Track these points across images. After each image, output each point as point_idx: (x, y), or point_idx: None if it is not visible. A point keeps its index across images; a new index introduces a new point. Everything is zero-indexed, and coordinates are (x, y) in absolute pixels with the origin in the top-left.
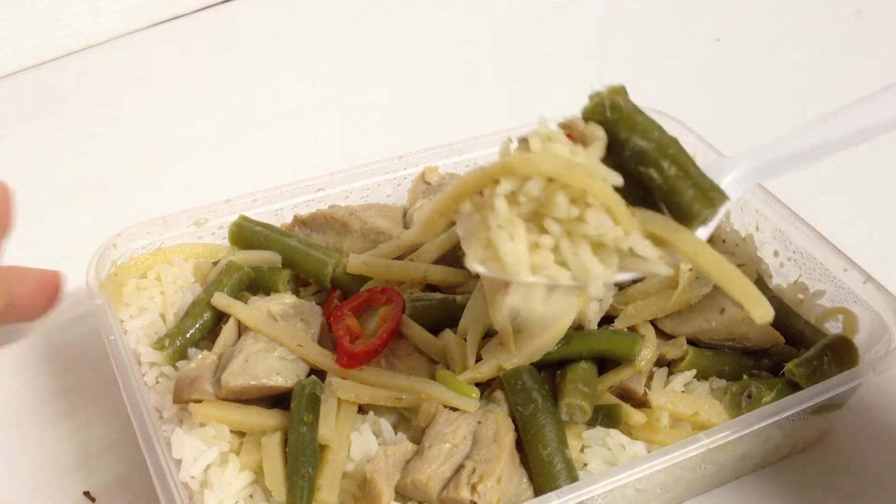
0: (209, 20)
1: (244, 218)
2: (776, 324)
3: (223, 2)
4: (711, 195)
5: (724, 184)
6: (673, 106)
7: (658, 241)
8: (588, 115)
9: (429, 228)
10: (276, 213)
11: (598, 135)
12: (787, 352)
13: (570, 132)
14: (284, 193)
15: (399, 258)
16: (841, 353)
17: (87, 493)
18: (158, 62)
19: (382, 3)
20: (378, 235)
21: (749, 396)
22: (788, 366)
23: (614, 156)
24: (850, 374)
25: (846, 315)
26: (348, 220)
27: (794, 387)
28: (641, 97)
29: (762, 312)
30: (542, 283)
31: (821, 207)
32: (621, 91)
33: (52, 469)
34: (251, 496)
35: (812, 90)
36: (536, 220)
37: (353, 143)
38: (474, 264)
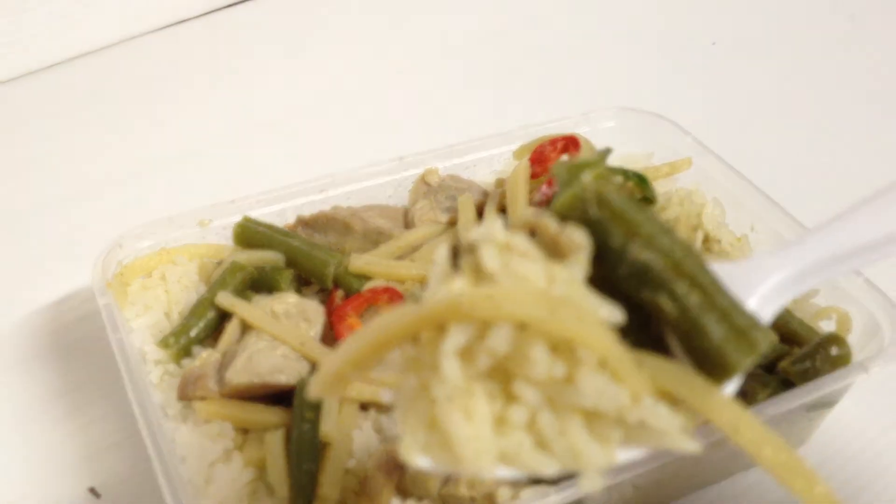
0: (215, 23)
1: (248, 218)
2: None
3: (229, 6)
4: (753, 337)
5: (755, 301)
6: (669, 109)
7: (673, 400)
8: (563, 213)
9: (336, 385)
10: (280, 213)
11: (581, 244)
12: (780, 349)
13: (539, 235)
14: (287, 194)
15: (400, 258)
16: (834, 352)
17: (92, 490)
18: (164, 65)
19: (384, 6)
20: (379, 235)
21: (744, 394)
22: (782, 364)
23: (600, 266)
24: (843, 372)
25: (839, 314)
26: (350, 221)
27: (787, 384)
28: (638, 100)
29: None
30: (513, 477)
31: (816, 207)
32: (605, 171)
33: (58, 466)
34: (254, 492)
35: (806, 93)
36: (499, 377)
37: (354, 145)
38: (413, 455)
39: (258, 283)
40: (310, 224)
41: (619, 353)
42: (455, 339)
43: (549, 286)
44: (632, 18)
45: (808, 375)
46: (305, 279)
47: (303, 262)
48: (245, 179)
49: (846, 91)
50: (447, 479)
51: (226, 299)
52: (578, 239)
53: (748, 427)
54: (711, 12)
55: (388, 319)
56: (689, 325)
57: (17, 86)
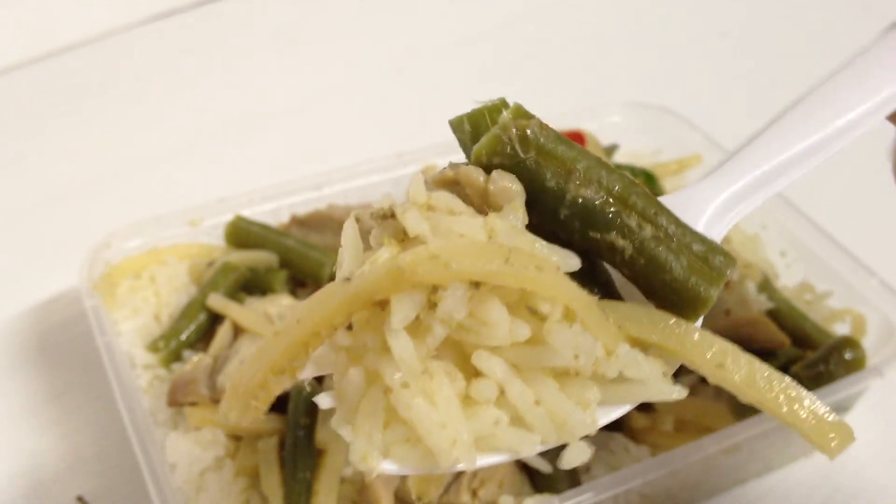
0: (204, 17)
1: (240, 217)
2: (782, 325)
3: None
4: (716, 263)
5: (701, 227)
6: (677, 103)
7: (644, 348)
8: (485, 159)
9: (257, 398)
10: (273, 212)
11: (512, 189)
12: (793, 353)
13: (461, 188)
14: (281, 192)
15: None
16: (848, 356)
17: (80, 498)
18: (151, 60)
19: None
20: None
21: None
22: (794, 368)
23: (534, 214)
24: (857, 377)
25: (854, 316)
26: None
27: None
28: (645, 94)
29: (834, 448)
30: (497, 462)
31: (828, 205)
32: (522, 110)
33: (45, 473)
34: (247, 501)
35: None
36: (452, 353)
37: (351, 141)
38: (372, 462)
39: (251, 285)
40: (305, 223)
41: (586, 301)
42: (402, 311)
43: (491, 236)
44: (638, 9)
45: (821, 380)
46: (300, 280)
47: (297, 262)
48: (237, 177)
49: None
50: (448, 487)
51: (217, 301)
52: (510, 185)
53: (734, 361)
54: (721, 2)
55: (311, 306)
56: (647, 260)
57: None
